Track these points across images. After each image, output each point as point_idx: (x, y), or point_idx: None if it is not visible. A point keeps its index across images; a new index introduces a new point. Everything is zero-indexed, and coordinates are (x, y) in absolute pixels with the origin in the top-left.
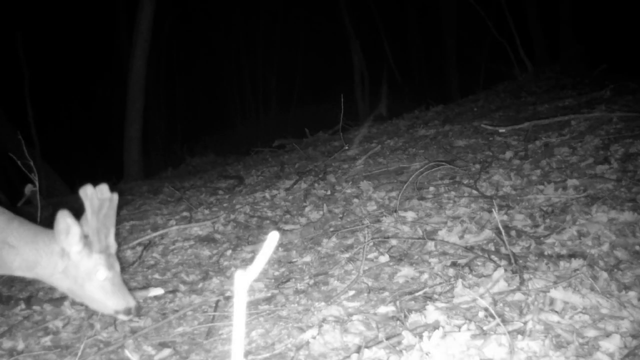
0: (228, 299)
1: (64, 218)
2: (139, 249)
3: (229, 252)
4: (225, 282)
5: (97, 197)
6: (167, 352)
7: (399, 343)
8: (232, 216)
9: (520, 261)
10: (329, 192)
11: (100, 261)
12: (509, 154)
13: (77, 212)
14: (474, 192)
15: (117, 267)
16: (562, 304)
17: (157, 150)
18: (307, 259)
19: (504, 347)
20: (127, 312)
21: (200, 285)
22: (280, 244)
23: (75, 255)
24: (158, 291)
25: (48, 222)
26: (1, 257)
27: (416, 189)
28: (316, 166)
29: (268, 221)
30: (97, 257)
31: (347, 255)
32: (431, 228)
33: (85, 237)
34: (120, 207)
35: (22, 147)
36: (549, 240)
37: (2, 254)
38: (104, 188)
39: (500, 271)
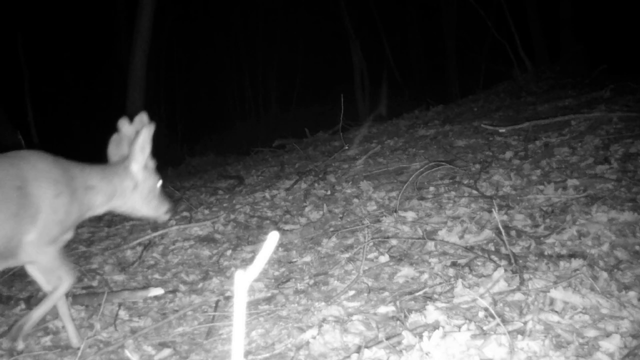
0: (228, 299)
1: (145, 136)
2: (139, 249)
3: (229, 252)
4: (225, 282)
5: (150, 126)
6: (167, 352)
7: (399, 343)
8: (232, 216)
9: (520, 261)
10: (329, 192)
11: (155, 173)
12: (509, 154)
13: None
14: (474, 192)
15: None
16: (562, 304)
17: (157, 150)
18: (307, 259)
19: (504, 347)
20: (171, 210)
21: (200, 285)
22: (280, 244)
23: (141, 174)
24: (158, 291)
25: None
26: (87, 200)
27: (416, 189)
28: (316, 166)
29: (268, 221)
30: (151, 171)
31: (347, 255)
32: (431, 228)
33: None
34: None
35: (22, 147)
36: (549, 240)
37: (87, 197)
38: (145, 117)
39: (500, 271)
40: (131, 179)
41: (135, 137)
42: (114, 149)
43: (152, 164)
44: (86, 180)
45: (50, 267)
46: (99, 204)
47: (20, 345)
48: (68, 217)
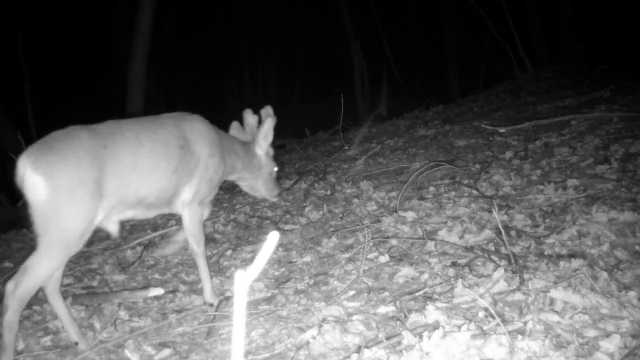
0: (228, 299)
1: (269, 126)
2: (139, 248)
3: (229, 252)
4: (225, 282)
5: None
6: (167, 352)
7: (399, 343)
8: (232, 216)
9: (520, 261)
10: (329, 192)
11: (273, 160)
12: (509, 154)
13: None
14: (474, 192)
15: None
16: (562, 304)
17: None
18: (307, 259)
19: (504, 347)
20: (280, 194)
21: (200, 285)
22: (280, 244)
23: (265, 157)
24: (158, 291)
25: None
26: (230, 163)
27: (416, 189)
28: (316, 166)
29: (268, 221)
30: (271, 158)
31: (347, 255)
32: (431, 228)
33: None
34: None
35: (22, 147)
36: (549, 240)
37: (230, 160)
38: (270, 110)
39: (500, 271)
40: (257, 160)
41: (261, 126)
42: (237, 135)
43: (271, 151)
44: (231, 145)
45: (192, 226)
46: (238, 169)
47: (20, 345)
48: (216, 176)
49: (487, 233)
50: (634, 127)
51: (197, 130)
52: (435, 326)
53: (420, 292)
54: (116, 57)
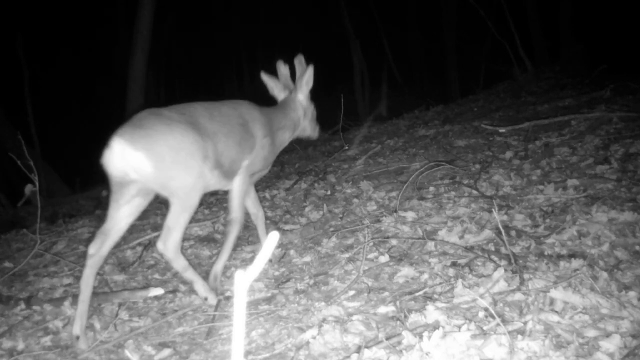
0: (228, 298)
1: (310, 73)
2: (139, 249)
3: None
4: (225, 282)
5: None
6: (167, 352)
7: (399, 343)
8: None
9: (520, 261)
10: (329, 192)
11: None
12: (509, 154)
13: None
14: (474, 192)
15: None
16: (562, 304)
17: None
18: (307, 258)
19: (504, 347)
20: (319, 130)
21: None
22: (280, 244)
23: (305, 102)
24: (158, 291)
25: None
26: (280, 138)
27: (416, 189)
28: (316, 166)
29: (268, 221)
30: (310, 100)
31: (347, 255)
32: (431, 228)
33: None
34: None
35: (22, 147)
36: (549, 240)
37: (279, 136)
38: (302, 58)
39: (500, 271)
40: (301, 107)
41: (303, 73)
42: (272, 87)
43: (309, 95)
44: (279, 123)
45: (238, 193)
46: (287, 138)
47: (20, 345)
48: (270, 154)
49: (487, 233)
50: (634, 127)
51: (252, 114)
52: (435, 326)
53: (420, 292)
54: (116, 55)
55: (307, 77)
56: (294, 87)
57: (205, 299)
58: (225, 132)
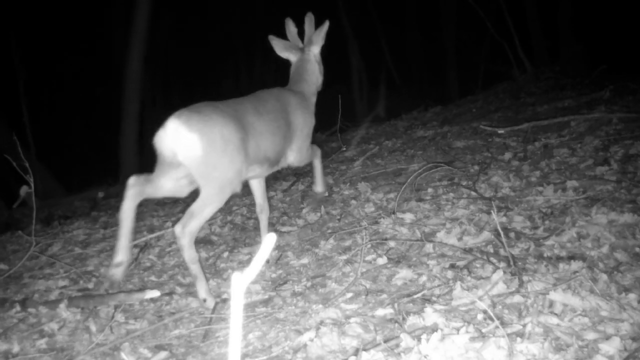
0: (225, 301)
1: (326, 27)
2: (135, 250)
3: (225, 254)
4: (222, 285)
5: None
6: (163, 354)
7: (397, 346)
8: (229, 218)
9: (519, 263)
10: (326, 194)
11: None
12: (508, 155)
13: (75, 212)
14: (473, 193)
15: None
16: (562, 306)
17: (152, 151)
18: (305, 261)
19: (503, 350)
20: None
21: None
22: (278, 246)
23: (319, 55)
24: (154, 293)
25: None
26: (313, 103)
27: (414, 190)
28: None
29: None
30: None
31: (344, 257)
32: (429, 230)
33: None
34: (116, 208)
35: (18, 148)
36: (549, 242)
37: (311, 109)
38: (312, 16)
39: (499, 273)
40: (316, 61)
41: (321, 27)
42: (282, 47)
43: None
44: (309, 101)
45: (305, 159)
46: (312, 102)
47: (15, 348)
48: (310, 130)
49: (486, 235)
50: (634, 128)
51: (291, 102)
52: (434, 329)
53: (419, 295)
54: (112, 55)
55: (324, 30)
56: (308, 42)
57: (204, 300)
58: (271, 130)
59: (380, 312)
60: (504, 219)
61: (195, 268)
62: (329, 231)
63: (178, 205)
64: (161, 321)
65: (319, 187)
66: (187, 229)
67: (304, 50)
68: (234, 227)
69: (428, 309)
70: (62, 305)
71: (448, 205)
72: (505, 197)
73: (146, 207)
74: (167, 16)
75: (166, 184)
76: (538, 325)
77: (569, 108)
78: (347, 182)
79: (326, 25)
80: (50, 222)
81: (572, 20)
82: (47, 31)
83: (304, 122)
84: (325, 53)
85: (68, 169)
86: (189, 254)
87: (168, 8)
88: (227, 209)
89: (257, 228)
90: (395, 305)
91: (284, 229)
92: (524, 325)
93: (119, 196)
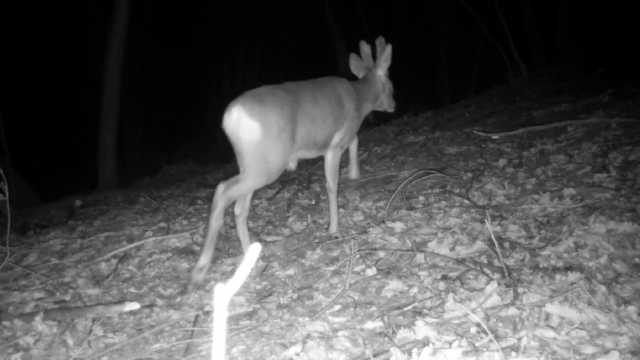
0: (207, 313)
1: (389, 51)
2: (114, 261)
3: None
4: (204, 296)
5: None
6: None
7: None
8: None
9: (514, 274)
10: (313, 202)
11: (389, 79)
12: (502, 162)
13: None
14: (466, 201)
15: None
16: (558, 319)
17: (133, 158)
18: (291, 272)
19: None
20: (396, 106)
21: (179, 299)
22: (263, 256)
23: (384, 78)
24: (134, 306)
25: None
26: (364, 109)
27: (405, 198)
28: (300, 174)
29: (249, 232)
30: (388, 76)
31: (332, 268)
32: (421, 239)
33: None
34: (94, 217)
35: None
36: (545, 252)
37: (363, 107)
38: (383, 39)
39: (493, 285)
40: (380, 82)
41: (383, 51)
42: (355, 65)
43: (387, 72)
44: (364, 94)
45: (332, 165)
46: (369, 109)
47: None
48: (356, 125)
49: (480, 245)
50: (633, 133)
51: (346, 90)
52: (425, 342)
53: (410, 307)
54: (90, 60)
55: (386, 54)
56: (374, 64)
57: (198, 271)
58: (324, 115)
59: (370, 325)
60: (498, 228)
61: (211, 234)
62: (316, 241)
63: (158, 214)
64: (141, 334)
65: (353, 173)
66: (228, 192)
67: (370, 70)
68: (217, 236)
69: (419, 322)
70: (37, 318)
71: (440, 214)
72: (500, 205)
73: (125, 216)
74: (148, 17)
75: None
76: (534, 339)
77: (566, 112)
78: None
79: (388, 49)
80: (25, 231)
81: (570, 20)
82: (23, 34)
83: (354, 112)
84: (311, 54)
85: (44, 176)
86: (217, 215)
87: (147, 11)
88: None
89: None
90: (385, 318)
91: (269, 238)
92: (519, 339)
93: (97, 204)
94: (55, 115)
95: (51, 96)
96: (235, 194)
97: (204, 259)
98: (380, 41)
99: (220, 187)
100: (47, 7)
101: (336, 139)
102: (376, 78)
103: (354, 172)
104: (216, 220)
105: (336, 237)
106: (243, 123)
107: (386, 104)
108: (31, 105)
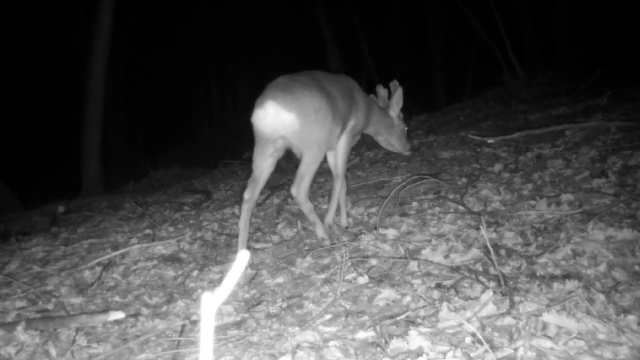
0: (194, 323)
1: (399, 94)
2: (98, 269)
3: (195, 273)
4: (191, 305)
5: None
6: None
7: None
8: (199, 234)
9: (511, 282)
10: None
11: (403, 121)
12: (498, 167)
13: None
14: (461, 207)
15: None
16: (556, 328)
17: (118, 163)
18: (280, 280)
19: None
20: (413, 149)
21: (165, 308)
22: (251, 264)
23: (395, 119)
24: (118, 315)
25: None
26: (370, 115)
27: (398, 204)
28: (289, 180)
29: (236, 240)
30: (401, 119)
31: (323, 276)
32: (414, 247)
33: None
34: (77, 224)
35: None
36: (542, 260)
37: (370, 113)
38: (396, 82)
39: (489, 293)
40: (390, 119)
41: (394, 94)
42: (379, 95)
43: (401, 114)
44: (371, 102)
45: (343, 149)
46: (374, 122)
47: None
48: (363, 121)
49: (475, 252)
50: (633, 137)
51: (355, 85)
52: (419, 353)
53: (403, 316)
54: (74, 62)
55: (396, 97)
56: (388, 105)
57: (323, 239)
58: (341, 96)
59: (361, 335)
60: (493, 235)
61: (312, 217)
62: (306, 248)
63: (143, 221)
64: (126, 345)
65: (343, 219)
66: (301, 188)
67: (385, 110)
68: (204, 243)
69: (412, 332)
70: (19, 328)
71: (434, 221)
72: (495, 211)
73: (110, 223)
74: (132, 18)
75: (267, 163)
76: (530, 349)
77: (564, 116)
78: (326, 195)
79: (398, 92)
80: (6, 238)
81: (569, 21)
82: (4, 36)
83: (363, 104)
84: (302, 56)
85: (26, 181)
86: (306, 207)
87: (131, 12)
88: (197, 224)
89: (229, 245)
90: (377, 327)
91: (258, 245)
92: (516, 350)
93: (80, 210)
94: (38, 120)
95: (34, 100)
96: (308, 185)
97: (329, 218)
98: (393, 84)
99: (294, 190)
100: (29, 12)
101: (351, 122)
102: (387, 115)
103: (330, 216)
104: (311, 212)
105: (346, 228)
106: (282, 117)
107: (398, 144)
108: (12, 110)
